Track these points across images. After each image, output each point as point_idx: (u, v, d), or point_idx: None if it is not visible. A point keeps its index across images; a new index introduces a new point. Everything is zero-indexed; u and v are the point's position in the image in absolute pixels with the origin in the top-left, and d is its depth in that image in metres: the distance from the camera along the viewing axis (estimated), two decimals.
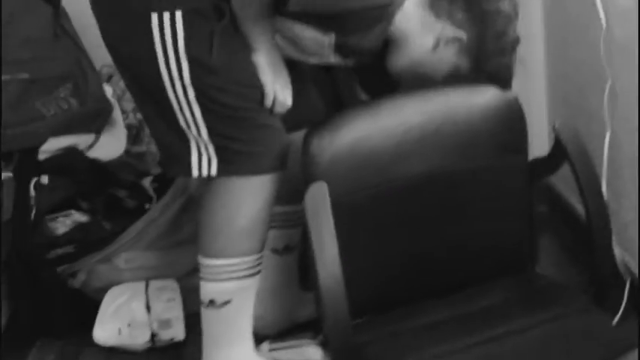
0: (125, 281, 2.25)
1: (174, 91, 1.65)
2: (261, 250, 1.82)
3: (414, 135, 1.68)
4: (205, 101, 1.66)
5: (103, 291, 2.23)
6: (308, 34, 1.76)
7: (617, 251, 2.07)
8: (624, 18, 1.94)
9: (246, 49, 1.71)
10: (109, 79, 2.41)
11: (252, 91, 1.71)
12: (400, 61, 1.82)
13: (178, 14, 1.61)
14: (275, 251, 2.05)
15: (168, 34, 1.61)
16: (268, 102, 1.73)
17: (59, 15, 2.29)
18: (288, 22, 1.75)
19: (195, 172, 1.73)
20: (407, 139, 1.67)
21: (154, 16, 1.61)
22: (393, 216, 1.71)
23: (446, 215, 1.75)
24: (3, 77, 2.17)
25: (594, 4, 2.05)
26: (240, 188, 1.74)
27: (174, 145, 1.73)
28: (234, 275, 1.79)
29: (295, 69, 1.83)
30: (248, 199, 1.75)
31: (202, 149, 1.71)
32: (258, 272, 1.83)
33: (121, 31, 1.68)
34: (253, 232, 1.78)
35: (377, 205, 1.68)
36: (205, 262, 1.81)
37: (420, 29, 1.78)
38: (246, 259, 1.79)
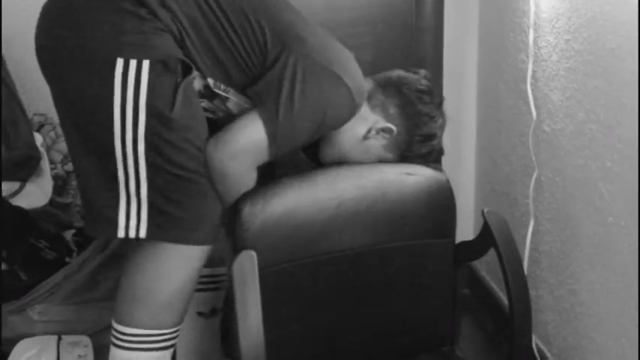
0: (37, 334, 2.19)
1: (123, 142, 1.57)
2: (180, 323, 1.72)
3: (347, 210, 1.69)
4: (154, 156, 1.58)
5: (13, 342, 2.16)
6: None
7: (533, 337, 2.11)
8: (554, 111, 2.00)
9: (199, 109, 1.67)
10: (39, 127, 2.38)
11: (204, 155, 1.65)
12: (331, 150, 1.84)
13: (145, 63, 1.55)
14: (201, 314, 1.99)
15: (131, 81, 1.55)
16: None
17: None
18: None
19: (121, 233, 1.62)
20: (339, 213, 1.68)
21: (120, 62, 1.54)
22: (320, 288, 1.71)
23: (372, 290, 1.77)
24: None
25: (526, 97, 2.12)
26: (168, 257, 1.65)
27: (104, 202, 1.62)
28: (147, 346, 1.69)
29: None
30: (174, 270, 1.65)
31: (132, 209, 1.61)
32: (173, 345, 1.74)
33: (76, 73, 1.59)
34: (174, 305, 1.68)
35: (304, 276, 1.68)
36: (118, 327, 1.70)
37: (354, 119, 1.79)
38: (162, 331, 1.69)
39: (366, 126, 1.83)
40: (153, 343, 1.70)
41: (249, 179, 1.67)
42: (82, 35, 1.58)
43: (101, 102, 1.56)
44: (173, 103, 1.57)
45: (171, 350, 1.74)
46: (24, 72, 2.37)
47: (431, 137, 1.87)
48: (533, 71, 2.11)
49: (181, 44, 1.62)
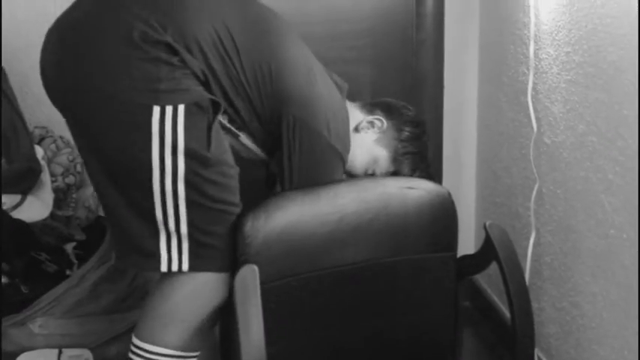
0: (38, 347, 2.19)
1: (162, 184, 1.60)
2: (200, 349, 1.74)
3: (349, 224, 1.69)
4: (194, 195, 1.61)
5: (14, 355, 2.16)
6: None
7: (535, 350, 2.11)
8: (555, 124, 2.00)
9: (225, 140, 1.70)
10: (40, 140, 2.38)
11: (234, 183, 1.68)
12: None
13: (181, 108, 1.58)
14: None
15: (169, 127, 1.58)
16: None
17: None
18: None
19: (164, 267, 1.65)
20: (342, 227, 1.68)
21: (156, 110, 1.57)
22: (322, 302, 1.71)
23: (374, 305, 1.76)
24: None
25: (527, 109, 2.12)
26: (205, 283, 1.67)
27: (143, 238, 1.64)
28: None
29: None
30: (210, 295, 1.68)
31: (173, 244, 1.64)
32: None
33: (110, 120, 1.60)
34: (203, 329, 1.71)
35: (306, 290, 1.67)
36: (143, 345, 1.70)
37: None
38: (188, 354, 1.70)
39: (356, 121, 1.93)
40: None
41: None
42: (116, 83, 1.59)
43: (138, 146, 1.59)
44: (209, 143, 1.61)
45: None
46: (25, 85, 2.38)
47: (419, 136, 1.98)
48: (534, 83, 2.12)
49: (206, 87, 1.65)
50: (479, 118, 2.66)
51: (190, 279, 1.67)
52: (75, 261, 2.34)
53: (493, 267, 1.79)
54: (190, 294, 1.68)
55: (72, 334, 2.23)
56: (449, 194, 1.80)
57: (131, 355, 1.72)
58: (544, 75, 2.06)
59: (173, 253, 1.64)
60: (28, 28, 2.40)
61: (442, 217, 1.78)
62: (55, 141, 2.38)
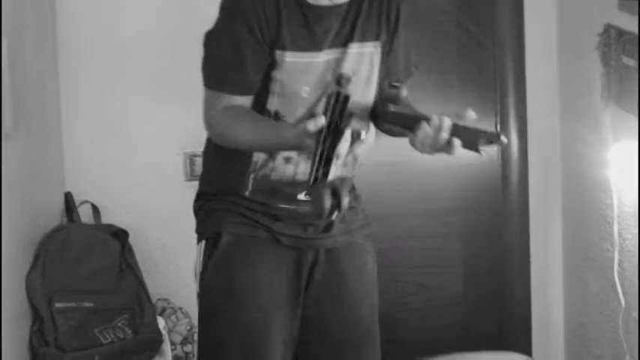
0: None
1: None
2: None
3: None
4: None
5: None
6: None
7: None
8: None
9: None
10: (162, 312, 2.54)
11: None
12: None
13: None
14: None
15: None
16: None
17: (125, 250, 2.46)
18: None
19: None
20: None
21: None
22: None
23: None
24: (69, 304, 2.33)
25: (614, 284, 2.23)
26: None
27: None
28: None
29: None
30: None
31: None
32: None
33: None
34: None
35: None
36: None
37: None
38: None
39: None
40: None
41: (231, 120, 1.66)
42: None
43: None
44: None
45: None
46: (149, 259, 2.58)
47: None
48: (620, 260, 2.22)
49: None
50: (565, 290, 2.69)
51: None
52: None
53: None
54: None
55: None
56: None
57: None
58: (629, 253, 2.18)
59: None
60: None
61: None
62: (175, 312, 2.55)
